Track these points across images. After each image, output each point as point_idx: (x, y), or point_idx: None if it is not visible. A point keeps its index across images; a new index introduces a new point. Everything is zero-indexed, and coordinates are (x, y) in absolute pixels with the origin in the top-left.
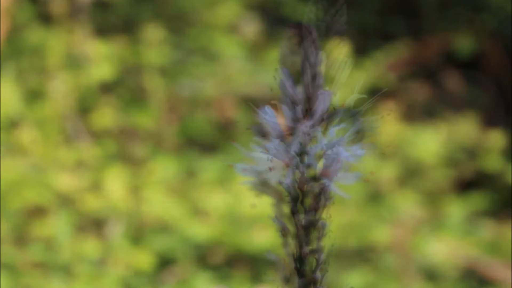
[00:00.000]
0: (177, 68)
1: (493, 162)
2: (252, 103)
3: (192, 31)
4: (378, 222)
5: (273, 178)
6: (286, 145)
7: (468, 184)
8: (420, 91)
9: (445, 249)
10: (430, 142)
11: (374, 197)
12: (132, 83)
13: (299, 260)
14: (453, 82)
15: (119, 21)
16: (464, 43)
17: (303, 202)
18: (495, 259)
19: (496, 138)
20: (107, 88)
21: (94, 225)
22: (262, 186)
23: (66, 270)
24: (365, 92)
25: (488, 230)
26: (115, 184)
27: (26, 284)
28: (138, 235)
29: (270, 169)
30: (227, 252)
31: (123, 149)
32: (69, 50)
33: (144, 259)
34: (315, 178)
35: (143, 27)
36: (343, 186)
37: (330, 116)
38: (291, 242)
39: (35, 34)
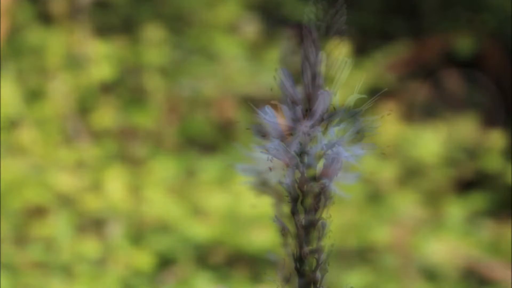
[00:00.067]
0: (177, 68)
1: (493, 162)
2: (252, 103)
3: (192, 31)
4: (378, 222)
5: (273, 178)
6: (286, 145)
7: (468, 184)
8: (420, 91)
9: (445, 249)
10: (430, 142)
11: (374, 197)
12: (132, 83)
13: (299, 260)
14: (453, 82)
15: (119, 21)
16: (464, 43)
17: (303, 202)
18: (495, 259)
19: (496, 138)
20: (107, 88)
21: (94, 225)
22: (262, 186)
23: (66, 270)
24: (365, 92)
25: (488, 230)
26: (115, 184)
27: (26, 284)
28: (138, 235)
29: (270, 169)
30: (227, 252)
31: (123, 149)
32: (69, 50)
33: (144, 259)
34: (315, 178)
35: (143, 27)
36: (343, 186)
37: (330, 116)
38: (291, 242)
39: (35, 34)
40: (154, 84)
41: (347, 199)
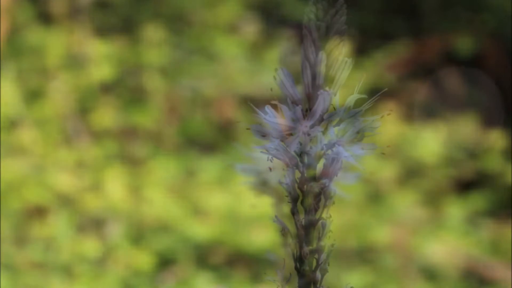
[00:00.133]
0: (177, 68)
1: (493, 162)
2: (252, 103)
3: (192, 31)
4: (378, 222)
5: (273, 178)
6: (286, 145)
7: (468, 184)
8: (420, 91)
9: (445, 249)
10: (430, 142)
11: (374, 197)
12: (132, 83)
13: (299, 260)
14: (453, 82)
15: (119, 21)
16: (464, 43)
17: (303, 202)
18: (495, 259)
19: (496, 138)
20: (107, 88)
21: (94, 225)
22: (262, 186)
23: (66, 270)
24: (365, 92)
25: (488, 230)
26: (115, 184)
27: (26, 284)
28: (138, 235)
29: (270, 169)
30: (227, 252)
31: (123, 149)
32: (69, 50)
33: (144, 259)
34: (315, 178)
35: (143, 27)
36: (343, 186)
37: (330, 116)
38: (291, 242)
39: (35, 34)
40: (154, 84)
41: (347, 199)
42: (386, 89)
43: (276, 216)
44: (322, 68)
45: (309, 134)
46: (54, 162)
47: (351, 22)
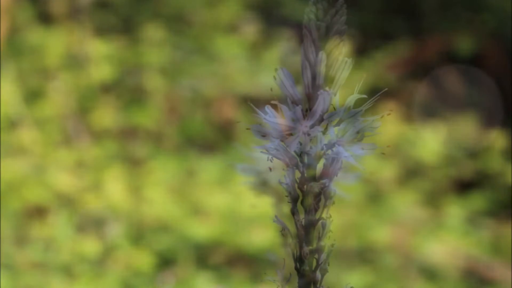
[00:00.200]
0: (177, 68)
1: (493, 162)
2: (252, 103)
3: (192, 31)
4: (378, 222)
5: (273, 178)
6: (286, 145)
7: (468, 184)
8: (420, 91)
9: (445, 249)
10: (430, 142)
11: (374, 197)
12: (132, 83)
13: (299, 260)
14: (453, 82)
15: (119, 21)
16: (464, 43)
17: (303, 202)
18: (495, 259)
19: (496, 138)
20: (107, 88)
21: (94, 225)
22: (262, 186)
23: (66, 270)
24: (365, 92)
25: (488, 230)
26: (115, 184)
27: (26, 284)
28: (138, 235)
29: (270, 169)
30: (227, 252)
31: (123, 149)
32: (69, 50)
33: (144, 259)
34: (315, 178)
35: (143, 27)
36: (343, 186)
37: (330, 116)
38: (291, 242)
39: (35, 34)
40: (154, 84)
41: (347, 199)
42: (386, 89)
43: (276, 216)
44: (322, 68)
45: (309, 134)
46: (54, 162)
47: (351, 22)
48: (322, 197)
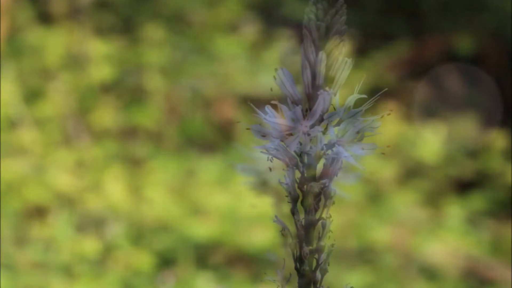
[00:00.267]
0: (177, 68)
1: (493, 162)
2: (252, 103)
3: (192, 31)
4: (378, 222)
5: (273, 178)
6: (286, 145)
7: (468, 184)
8: (420, 91)
9: (445, 249)
10: (430, 142)
11: (374, 197)
12: (132, 83)
13: (299, 260)
14: (453, 82)
15: (119, 21)
16: (464, 43)
17: (303, 202)
18: (495, 259)
19: (496, 138)
20: (107, 88)
21: (94, 225)
22: (262, 186)
23: (66, 270)
24: (365, 92)
25: (488, 230)
26: (115, 184)
27: (26, 284)
28: (138, 235)
29: (270, 169)
30: (227, 252)
31: (123, 149)
32: (69, 50)
33: (144, 259)
34: (315, 178)
35: (143, 27)
36: (343, 186)
37: (330, 116)
38: (291, 242)
39: (35, 34)
40: (154, 84)
41: (347, 199)
42: (386, 89)
43: (276, 216)
44: (322, 68)
45: (309, 134)
46: (54, 162)
47: (351, 22)
48: (322, 197)
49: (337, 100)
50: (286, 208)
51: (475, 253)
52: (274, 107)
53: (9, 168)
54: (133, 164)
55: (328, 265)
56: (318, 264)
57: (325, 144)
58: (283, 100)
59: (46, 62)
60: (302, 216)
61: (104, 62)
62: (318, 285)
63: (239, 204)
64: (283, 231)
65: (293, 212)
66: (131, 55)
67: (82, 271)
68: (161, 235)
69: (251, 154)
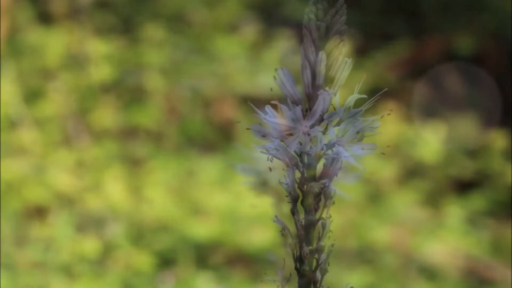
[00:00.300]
0: (177, 68)
1: (493, 162)
2: (252, 103)
3: (192, 31)
4: (378, 222)
5: (273, 178)
6: (286, 145)
7: (468, 184)
8: (420, 91)
9: (445, 249)
10: (430, 142)
11: (374, 197)
12: (132, 83)
13: (299, 260)
14: (453, 82)
15: (119, 21)
16: (464, 43)
17: (303, 202)
18: (495, 259)
19: (496, 138)
20: (107, 88)
21: (94, 225)
22: (262, 186)
23: (66, 270)
24: (365, 92)
25: (488, 230)
26: (115, 184)
27: (26, 284)
28: (138, 235)
29: (270, 169)
30: (227, 252)
31: (123, 149)
32: (69, 50)
33: (144, 259)
34: (315, 178)
35: (143, 27)
36: (343, 186)
37: (330, 116)
38: (291, 242)
39: (35, 34)
40: (154, 84)
41: (347, 199)
42: (386, 89)
43: (276, 216)
44: (322, 68)
45: (309, 134)
46: (54, 162)
47: (351, 22)
48: (322, 197)
49: (337, 100)
50: (286, 208)
51: (475, 253)
52: (274, 107)
53: (9, 168)
54: (133, 164)
55: (328, 265)
56: (318, 264)
57: (325, 144)
58: (283, 100)
59: (46, 62)
60: (302, 216)
61: (104, 62)
62: (318, 285)
63: (239, 204)
64: (283, 231)
65: (293, 212)
66: (131, 55)
67: (82, 271)
68: (161, 235)
69: (251, 154)
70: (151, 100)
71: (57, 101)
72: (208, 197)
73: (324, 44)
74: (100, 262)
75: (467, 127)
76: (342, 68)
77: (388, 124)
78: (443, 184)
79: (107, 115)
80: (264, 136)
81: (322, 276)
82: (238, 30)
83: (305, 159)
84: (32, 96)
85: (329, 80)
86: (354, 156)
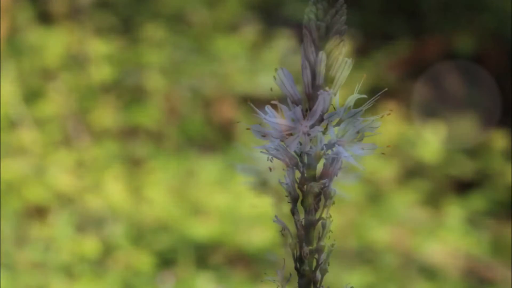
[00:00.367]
0: (177, 68)
1: (493, 162)
2: (252, 103)
3: (192, 31)
4: (378, 222)
5: (273, 178)
6: (286, 145)
7: (468, 184)
8: (420, 91)
9: (445, 249)
10: (430, 142)
11: (374, 197)
12: (132, 83)
13: (299, 260)
14: (453, 82)
15: (119, 21)
16: (464, 43)
17: (303, 202)
18: (495, 259)
19: (496, 138)
20: (107, 88)
21: (94, 225)
22: (262, 186)
23: (66, 270)
24: (365, 92)
25: (488, 230)
26: (115, 184)
27: (26, 284)
28: (138, 235)
29: (270, 169)
30: (227, 252)
31: (123, 149)
32: (69, 50)
33: (144, 259)
34: (315, 178)
35: (143, 27)
36: (343, 186)
37: (330, 116)
38: (291, 242)
39: (35, 34)
40: (154, 84)
41: (347, 199)
42: (386, 89)
43: (276, 216)
44: (322, 68)
45: (309, 134)
46: (54, 162)
47: (351, 22)
48: (322, 197)
49: (337, 100)
50: (286, 208)
51: (475, 253)
52: (274, 107)
53: (9, 168)
54: (133, 164)
55: (328, 265)
56: (318, 264)
57: (325, 144)
58: (283, 100)
59: (46, 62)
60: (302, 216)
61: (104, 62)
62: (318, 285)
63: (239, 204)
64: (283, 231)
65: (293, 212)
66: (131, 55)
67: (82, 271)
68: (161, 235)
69: (251, 154)
70: (151, 100)
71: (57, 101)
72: (208, 197)
73: (324, 44)
74: (100, 262)
75: (467, 127)
76: (342, 68)
77: (388, 124)
78: (443, 184)
79: (107, 115)
80: (264, 136)
81: (322, 276)
82: (238, 30)
83: (305, 159)
84: (32, 96)
85: (329, 80)
86: (354, 156)
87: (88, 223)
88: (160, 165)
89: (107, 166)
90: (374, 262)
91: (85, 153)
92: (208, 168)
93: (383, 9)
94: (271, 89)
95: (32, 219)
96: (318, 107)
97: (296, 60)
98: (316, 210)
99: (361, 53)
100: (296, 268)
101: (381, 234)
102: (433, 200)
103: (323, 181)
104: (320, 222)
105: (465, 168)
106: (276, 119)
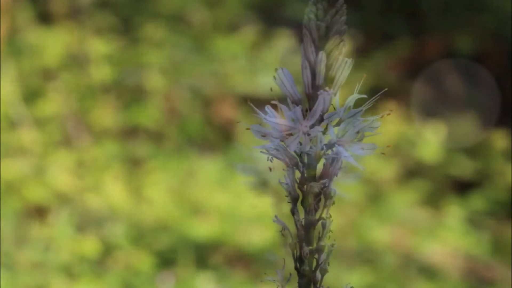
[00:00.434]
0: (177, 68)
1: (493, 162)
2: (252, 103)
3: (192, 31)
4: (378, 222)
5: (273, 178)
6: (286, 145)
7: (468, 184)
8: (420, 91)
9: (445, 249)
10: (430, 142)
11: (374, 197)
12: (132, 83)
13: (299, 260)
14: (453, 82)
15: (119, 21)
16: (464, 43)
17: (303, 202)
18: (495, 259)
19: (496, 138)
20: (107, 88)
21: (94, 225)
22: (262, 186)
23: (66, 270)
24: (365, 92)
25: (488, 230)
26: (115, 184)
27: (26, 284)
28: (138, 235)
29: (270, 169)
30: (227, 252)
31: (123, 149)
32: (69, 50)
33: (144, 259)
34: (315, 178)
35: (143, 27)
36: (343, 186)
37: (330, 116)
38: (291, 242)
39: (35, 34)
40: (154, 84)
41: (347, 199)
42: (386, 89)
43: (276, 216)
44: (322, 68)
45: (309, 134)
46: (54, 162)
47: (352, 22)
48: (322, 197)
49: (337, 100)
50: (286, 208)
51: (475, 253)
52: (274, 107)
53: (9, 168)
54: (133, 164)
55: (328, 265)
56: (318, 264)
57: (325, 144)
58: (283, 100)
59: (46, 62)
60: (302, 216)
61: (104, 62)
62: (318, 285)
63: (239, 204)
64: (283, 231)
65: (293, 212)
66: (131, 55)
67: (82, 271)
68: (161, 235)
69: (251, 154)
70: (151, 100)
71: (57, 101)
72: (208, 197)
73: (324, 44)
74: (100, 262)
75: (467, 127)
76: (342, 68)
77: (388, 124)
78: (443, 184)
79: (107, 115)
80: (264, 136)
81: (322, 276)
82: (238, 30)
83: (305, 159)
84: (32, 96)
85: (329, 80)
86: (354, 156)
87: (88, 223)
88: (160, 165)
89: (107, 166)
90: (374, 262)
91: (85, 153)
92: (208, 168)
93: (383, 9)
94: (271, 89)
95: (32, 219)
96: (318, 107)
97: (296, 60)
98: (316, 210)
99: (361, 53)
100: (296, 268)
101: (381, 234)
102: (433, 200)
103: (323, 181)
104: (320, 222)
105: (465, 168)
106: (276, 119)
